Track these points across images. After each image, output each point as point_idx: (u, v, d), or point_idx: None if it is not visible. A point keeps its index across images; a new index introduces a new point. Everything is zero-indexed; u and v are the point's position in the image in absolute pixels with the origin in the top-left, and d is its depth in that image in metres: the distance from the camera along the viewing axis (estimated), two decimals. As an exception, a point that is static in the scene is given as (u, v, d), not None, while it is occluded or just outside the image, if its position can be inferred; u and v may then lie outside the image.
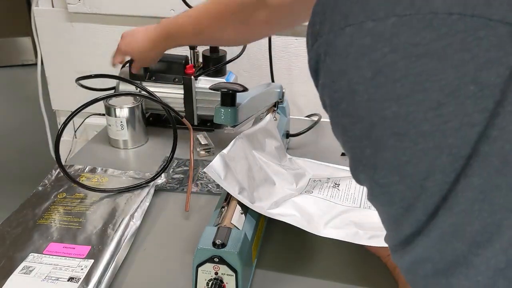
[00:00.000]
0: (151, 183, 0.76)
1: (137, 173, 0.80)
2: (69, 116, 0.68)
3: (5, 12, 2.94)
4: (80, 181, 0.77)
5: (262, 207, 0.61)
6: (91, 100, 0.69)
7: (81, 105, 0.69)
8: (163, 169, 0.78)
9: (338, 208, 0.66)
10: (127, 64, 1.00)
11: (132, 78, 0.98)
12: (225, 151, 0.62)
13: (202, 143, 0.91)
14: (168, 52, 0.87)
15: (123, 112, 0.89)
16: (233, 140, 0.65)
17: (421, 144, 0.28)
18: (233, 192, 0.58)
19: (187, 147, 0.92)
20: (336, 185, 0.71)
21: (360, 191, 0.71)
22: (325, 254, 0.65)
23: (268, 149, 0.75)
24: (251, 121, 0.78)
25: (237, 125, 0.69)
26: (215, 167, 0.59)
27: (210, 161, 0.86)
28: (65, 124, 0.68)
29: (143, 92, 0.88)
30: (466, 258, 0.28)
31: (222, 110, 0.61)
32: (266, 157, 0.73)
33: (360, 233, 0.60)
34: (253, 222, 0.59)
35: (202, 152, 0.89)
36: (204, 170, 0.58)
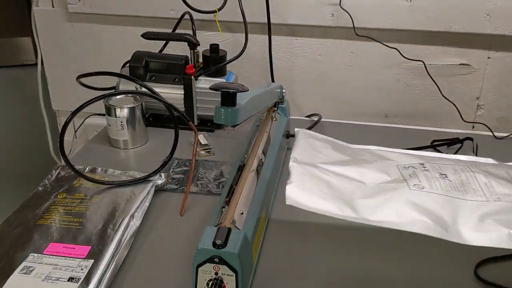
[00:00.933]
0: (155, 177, 0.76)
1: (137, 173, 0.80)
2: (78, 107, 0.68)
3: (5, 12, 2.93)
4: (81, 181, 0.77)
5: (368, 218, 0.53)
6: (99, 96, 0.69)
7: (91, 98, 0.68)
8: (165, 163, 0.78)
9: (465, 205, 0.53)
10: (127, 64, 1.00)
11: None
12: (292, 179, 0.55)
13: (202, 143, 0.91)
14: (168, 52, 0.87)
15: (123, 112, 0.89)
16: (290, 168, 0.58)
17: None
18: (333, 211, 0.51)
19: (187, 147, 0.92)
20: (443, 175, 0.59)
21: (474, 180, 0.58)
22: (325, 254, 0.65)
23: (328, 155, 0.66)
24: (251, 120, 0.78)
25: (237, 125, 0.69)
26: (293, 197, 0.52)
27: (210, 161, 0.87)
28: (73, 114, 0.71)
29: (147, 91, 0.88)
30: None
31: (222, 110, 0.60)
32: (334, 164, 0.63)
33: None
34: (253, 222, 0.59)
35: (202, 152, 0.89)
36: (287, 203, 0.51)
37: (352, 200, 0.55)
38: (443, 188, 0.56)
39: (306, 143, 0.67)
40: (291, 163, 0.59)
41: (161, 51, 1.08)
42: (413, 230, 0.49)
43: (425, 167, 0.60)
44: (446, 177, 0.58)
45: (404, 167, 0.62)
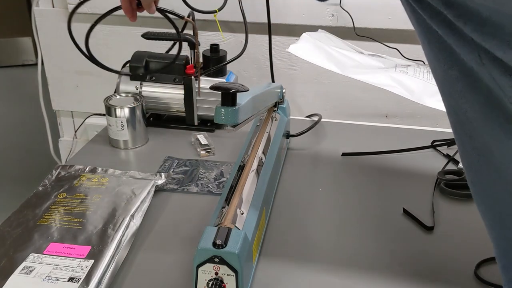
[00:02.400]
0: (155, 177, 0.76)
1: (137, 173, 0.80)
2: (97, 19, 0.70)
3: (5, 12, 2.93)
4: (81, 181, 0.77)
5: (354, 71, 0.63)
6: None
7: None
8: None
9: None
10: (127, 64, 1.00)
11: (132, 79, 0.98)
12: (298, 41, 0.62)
13: (203, 143, 0.91)
14: (168, 52, 0.87)
15: (123, 112, 0.89)
16: (300, 37, 0.67)
17: None
18: (321, 63, 0.59)
19: (187, 147, 0.92)
20: (430, 72, 0.72)
21: None
22: (325, 253, 0.65)
23: (339, 44, 0.77)
24: (251, 121, 0.78)
25: (238, 125, 0.69)
26: (293, 48, 0.60)
27: (211, 161, 0.87)
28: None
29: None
30: None
31: (223, 110, 0.60)
32: (341, 47, 0.74)
33: None
34: (254, 222, 0.59)
35: (203, 152, 0.89)
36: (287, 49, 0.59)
37: (344, 66, 0.64)
38: (425, 77, 0.67)
39: (323, 34, 0.74)
40: (303, 34, 0.67)
41: (168, 51, 1.08)
42: (380, 83, 0.59)
43: (419, 66, 0.71)
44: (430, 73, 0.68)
45: (401, 64, 0.75)
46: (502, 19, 0.30)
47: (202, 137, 0.92)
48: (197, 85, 0.96)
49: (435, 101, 0.70)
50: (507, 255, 0.39)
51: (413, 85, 0.69)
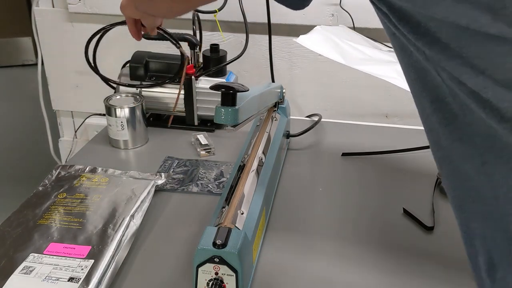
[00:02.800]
0: (155, 177, 0.76)
1: (137, 173, 0.80)
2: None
3: (5, 12, 2.93)
4: (81, 181, 0.77)
5: (358, 62, 0.63)
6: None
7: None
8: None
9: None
10: (127, 64, 1.00)
11: (133, 78, 0.98)
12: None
13: (203, 143, 0.91)
14: (168, 52, 0.87)
15: (123, 112, 0.89)
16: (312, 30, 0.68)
17: None
18: (326, 54, 0.60)
19: (187, 147, 0.92)
20: None
21: None
22: (325, 254, 0.65)
23: (359, 39, 0.77)
24: (251, 121, 0.78)
25: (238, 125, 0.69)
26: (301, 39, 0.60)
27: (211, 161, 0.87)
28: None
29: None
30: None
31: (223, 110, 0.60)
32: (354, 41, 0.75)
33: None
34: (253, 222, 0.59)
35: (203, 152, 0.89)
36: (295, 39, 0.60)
37: (350, 57, 0.64)
38: None
39: (341, 28, 0.75)
40: (316, 27, 0.68)
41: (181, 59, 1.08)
42: (384, 78, 0.60)
43: None
44: None
45: None
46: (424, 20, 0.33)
47: (202, 137, 0.92)
48: (197, 85, 0.96)
49: None
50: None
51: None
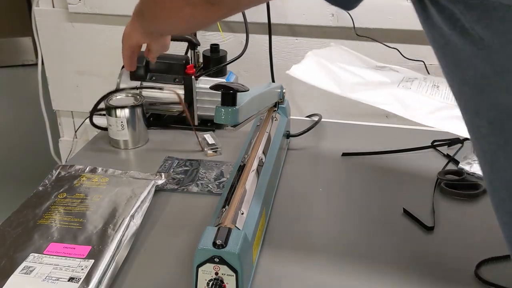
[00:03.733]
0: (155, 177, 0.76)
1: (137, 173, 0.80)
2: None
3: (5, 12, 2.93)
4: (81, 181, 0.77)
5: (352, 90, 0.61)
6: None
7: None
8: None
9: (440, 105, 0.64)
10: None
11: (133, 79, 0.98)
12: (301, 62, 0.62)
13: (209, 142, 0.91)
14: (168, 52, 0.87)
15: (123, 112, 0.89)
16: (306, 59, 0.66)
17: None
18: (320, 85, 0.58)
19: (187, 147, 0.92)
20: (436, 86, 0.69)
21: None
22: (325, 253, 0.65)
23: (353, 59, 0.76)
24: (251, 121, 0.78)
25: (238, 125, 0.69)
26: (294, 70, 0.59)
27: (211, 161, 0.87)
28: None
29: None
30: None
31: (223, 110, 0.60)
32: (347, 63, 0.73)
33: None
34: (254, 222, 0.59)
35: (210, 152, 0.89)
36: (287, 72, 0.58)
37: (345, 85, 0.63)
38: (429, 92, 0.66)
39: (334, 49, 0.74)
40: (308, 53, 0.66)
41: (186, 53, 1.08)
42: (383, 108, 0.60)
43: (426, 79, 0.69)
44: (438, 87, 0.68)
45: (409, 78, 0.72)
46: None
47: (209, 137, 0.92)
48: (197, 85, 0.96)
49: (433, 118, 0.68)
50: None
51: (410, 102, 0.68)
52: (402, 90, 0.68)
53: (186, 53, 1.08)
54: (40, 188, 0.75)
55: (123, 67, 1.02)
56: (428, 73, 1.07)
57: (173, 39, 0.98)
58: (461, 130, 0.61)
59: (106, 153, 0.90)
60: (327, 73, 0.67)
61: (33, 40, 1.25)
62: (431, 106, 0.67)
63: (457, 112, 0.52)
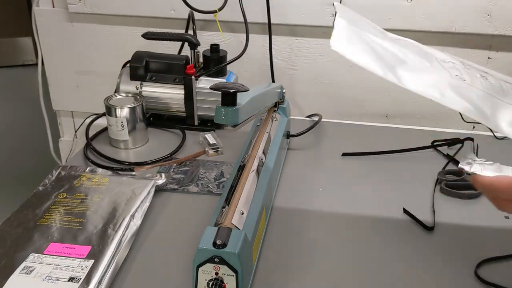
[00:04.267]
0: (155, 177, 0.76)
1: (138, 173, 0.80)
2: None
3: (5, 12, 2.93)
4: (81, 181, 0.77)
5: (410, 87, 0.50)
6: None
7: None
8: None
9: (504, 105, 0.53)
10: (128, 64, 1.00)
11: (133, 79, 0.98)
12: (337, 29, 0.54)
13: (211, 142, 0.91)
14: (168, 52, 0.87)
15: (123, 112, 0.89)
16: (334, 21, 0.56)
17: None
18: (376, 70, 0.50)
19: (188, 147, 0.92)
20: (483, 76, 0.58)
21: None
22: (325, 254, 0.65)
23: (371, 28, 0.65)
24: (251, 121, 0.78)
25: (238, 125, 0.69)
26: (337, 44, 0.51)
27: (211, 161, 0.87)
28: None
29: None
30: None
31: (223, 110, 0.60)
32: (377, 36, 0.61)
33: None
34: (254, 222, 0.59)
35: (211, 152, 0.89)
36: (332, 47, 0.50)
37: (394, 68, 0.53)
38: (484, 86, 0.55)
39: (350, 11, 0.64)
40: (336, 17, 0.55)
41: (179, 52, 1.09)
42: (455, 108, 0.48)
43: (464, 65, 0.60)
44: (487, 79, 0.57)
45: (443, 61, 0.61)
46: None
47: (210, 137, 0.92)
48: (197, 85, 0.96)
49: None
50: None
51: (482, 105, 0.53)
52: (459, 83, 0.54)
53: (180, 52, 1.08)
54: (40, 188, 0.75)
55: (123, 66, 1.02)
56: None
57: (172, 39, 0.98)
58: None
59: (106, 153, 0.90)
60: (370, 50, 0.55)
61: (33, 40, 1.25)
62: (501, 109, 0.53)
63: None
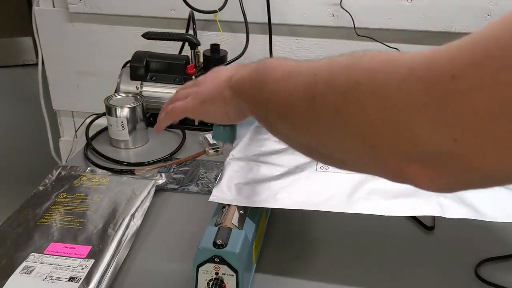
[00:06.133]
0: (155, 177, 0.76)
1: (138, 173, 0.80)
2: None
3: (5, 12, 2.93)
4: (81, 181, 0.77)
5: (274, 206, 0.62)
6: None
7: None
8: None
9: (353, 179, 0.64)
10: (128, 64, 1.00)
11: (133, 79, 0.98)
12: (221, 182, 0.66)
13: (211, 142, 0.91)
14: (169, 52, 0.87)
15: (124, 112, 0.89)
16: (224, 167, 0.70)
17: None
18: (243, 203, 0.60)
19: (188, 147, 0.92)
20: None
21: None
22: (325, 254, 0.65)
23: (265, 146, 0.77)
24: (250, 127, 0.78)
25: (235, 141, 0.70)
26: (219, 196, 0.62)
27: (211, 161, 0.87)
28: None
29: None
30: None
31: (221, 128, 0.61)
32: (265, 154, 0.73)
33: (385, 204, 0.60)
34: (254, 222, 0.59)
35: (211, 152, 0.89)
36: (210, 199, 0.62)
37: (269, 188, 0.64)
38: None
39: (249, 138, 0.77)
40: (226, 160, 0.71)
41: (180, 52, 1.08)
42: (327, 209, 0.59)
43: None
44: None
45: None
46: None
47: (210, 137, 0.92)
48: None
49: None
50: None
51: (340, 187, 0.65)
52: (324, 174, 0.67)
53: (180, 52, 1.09)
54: (41, 188, 0.75)
55: (123, 66, 1.02)
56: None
57: (172, 39, 0.98)
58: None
59: (106, 153, 0.90)
60: (244, 184, 0.65)
61: (33, 40, 1.25)
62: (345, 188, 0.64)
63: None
